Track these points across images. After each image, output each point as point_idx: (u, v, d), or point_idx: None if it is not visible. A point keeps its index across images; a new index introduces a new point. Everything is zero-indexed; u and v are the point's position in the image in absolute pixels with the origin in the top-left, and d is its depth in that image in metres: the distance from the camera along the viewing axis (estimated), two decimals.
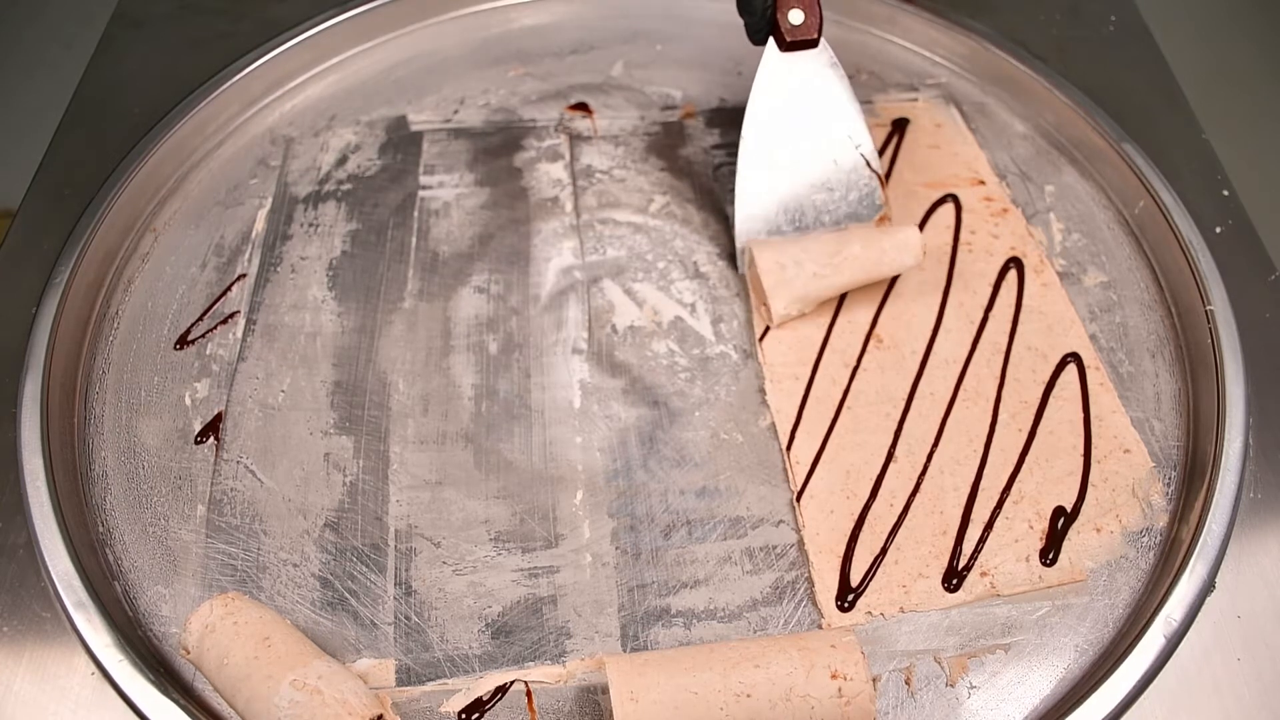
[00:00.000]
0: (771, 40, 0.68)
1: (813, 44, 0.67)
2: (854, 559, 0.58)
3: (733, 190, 0.76)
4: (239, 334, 0.68)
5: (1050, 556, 0.58)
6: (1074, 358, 0.66)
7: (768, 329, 0.68)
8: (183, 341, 0.68)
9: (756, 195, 0.69)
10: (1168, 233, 0.69)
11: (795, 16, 0.66)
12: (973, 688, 0.53)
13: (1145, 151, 0.73)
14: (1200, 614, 0.54)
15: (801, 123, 0.69)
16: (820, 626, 0.55)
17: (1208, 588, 0.55)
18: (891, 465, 0.61)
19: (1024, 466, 0.61)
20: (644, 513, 0.60)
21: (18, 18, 1.81)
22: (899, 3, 0.85)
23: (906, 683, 0.53)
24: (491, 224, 0.75)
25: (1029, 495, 0.60)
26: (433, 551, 0.58)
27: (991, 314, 0.68)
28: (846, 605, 0.56)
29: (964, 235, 0.73)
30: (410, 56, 0.87)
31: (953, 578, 0.57)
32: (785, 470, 0.61)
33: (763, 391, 0.65)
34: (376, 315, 0.69)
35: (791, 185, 0.70)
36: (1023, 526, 0.59)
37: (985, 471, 0.61)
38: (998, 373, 0.65)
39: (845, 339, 0.67)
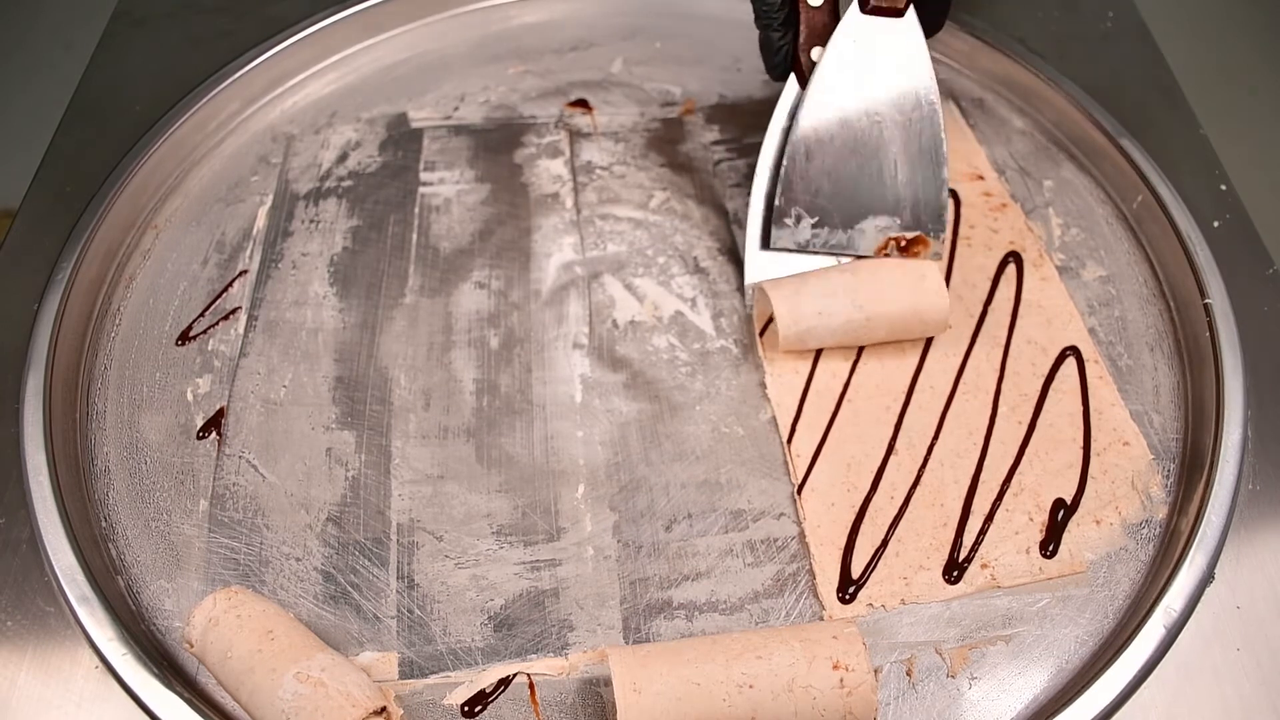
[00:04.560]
0: (792, 77, 0.66)
1: None
2: (855, 551, 0.58)
3: (732, 186, 0.77)
4: (240, 330, 0.68)
5: (1050, 548, 0.58)
6: (1073, 351, 0.66)
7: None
8: (184, 337, 0.68)
9: (770, 219, 0.67)
10: (1166, 227, 0.70)
11: (818, 55, 0.64)
12: (974, 679, 0.53)
13: (1143, 146, 0.74)
14: (1199, 605, 0.55)
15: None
16: (822, 618, 0.56)
17: (1207, 579, 0.55)
18: (892, 458, 0.62)
19: (1024, 459, 0.61)
20: (645, 506, 0.60)
21: (18, 18, 1.81)
22: None
23: (908, 674, 0.54)
24: (492, 220, 0.75)
25: (1029, 487, 0.60)
26: (435, 545, 0.59)
27: (991, 308, 0.69)
28: (848, 597, 0.56)
29: (963, 230, 0.73)
30: (410, 54, 0.87)
31: (953, 570, 0.57)
32: (786, 463, 0.62)
33: (763, 385, 0.65)
34: (378, 311, 0.69)
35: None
36: (1023, 519, 0.59)
37: (985, 464, 0.61)
38: (997, 366, 0.66)
39: None
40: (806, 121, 0.64)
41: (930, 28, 0.65)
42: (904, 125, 0.64)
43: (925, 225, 0.66)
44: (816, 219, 0.66)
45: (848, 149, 0.65)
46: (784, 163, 0.65)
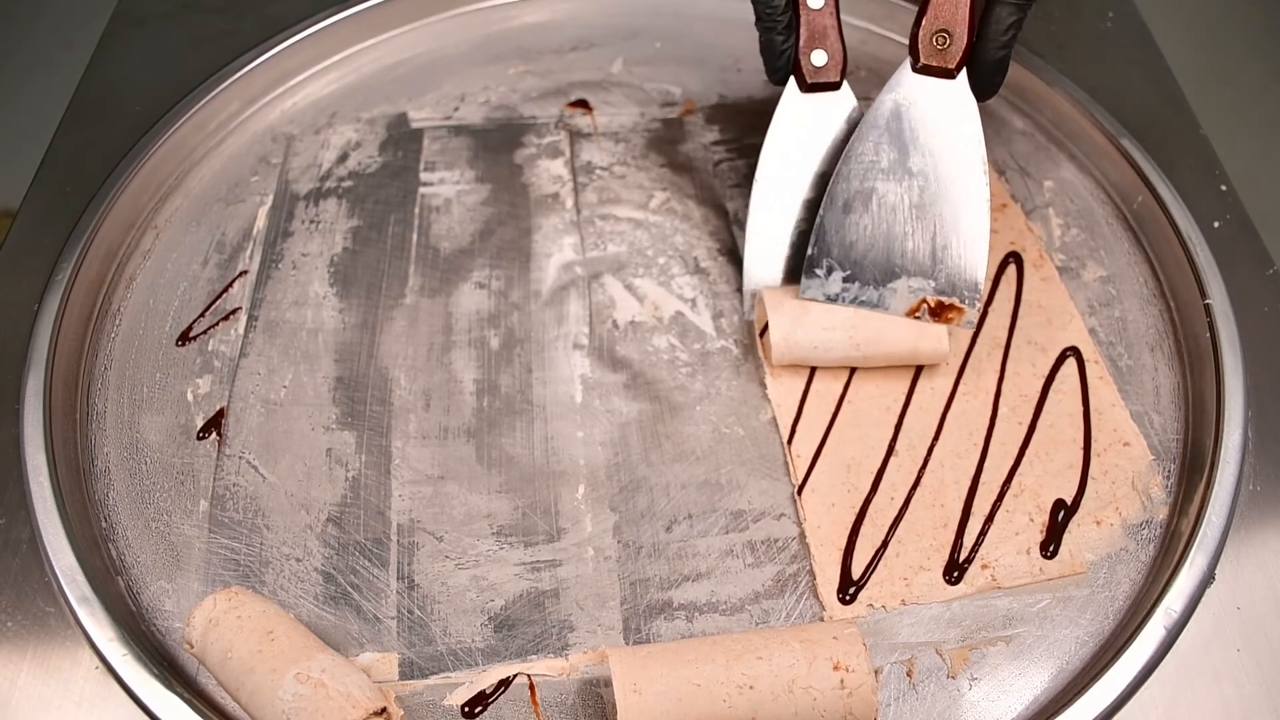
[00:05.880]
0: (791, 80, 0.65)
1: (835, 86, 0.65)
2: (855, 552, 0.58)
3: (732, 186, 0.77)
4: (241, 330, 0.68)
5: (1051, 549, 0.58)
6: (1073, 351, 0.66)
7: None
8: (185, 338, 0.68)
9: (769, 237, 0.67)
10: (1166, 227, 0.70)
11: (818, 58, 0.64)
12: (974, 679, 0.53)
13: (1143, 147, 0.73)
14: (1200, 606, 0.55)
15: (819, 166, 0.66)
16: (822, 619, 0.56)
17: (1207, 579, 0.55)
18: (892, 459, 0.62)
19: (1024, 460, 0.61)
20: (646, 507, 0.60)
21: (18, 18, 1.81)
22: None
23: (908, 675, 0.54)
24: (492, 220, 0.75)
25: (1029, 488, 0.60)
26: (435, 546, 0.59)
27: (991, 308, 0.69)
28: (848, 598, 0.56)
29: None
30: (410, 54, 0.87)
31: (954, 570, 0.57)
32: (786, 464, 0.62)
33: (763, 385, 0.65)
34: (378, 311, 0.69)
35: (805, 229, 0.67)
36: (1023, 519, 0.59)
37: (985, 465, 0.61)
38: (998, 366, 0.66)
39: None
40: (847, 173, 0.63)
41: (983, 93, 0.63)
42: (947, 187, 0.62)
43: (960, 292, 0.63)
44: (849, 273, 0.63)
45: (888, 205, 0.63)
46: (820, 212, 0.63)
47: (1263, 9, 1.82)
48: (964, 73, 0.61)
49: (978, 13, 0.61)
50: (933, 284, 0.63)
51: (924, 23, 0.61)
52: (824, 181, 0.66)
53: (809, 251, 0.64)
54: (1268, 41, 1.76)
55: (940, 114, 0.62)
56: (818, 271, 0.64)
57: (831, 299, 0.64)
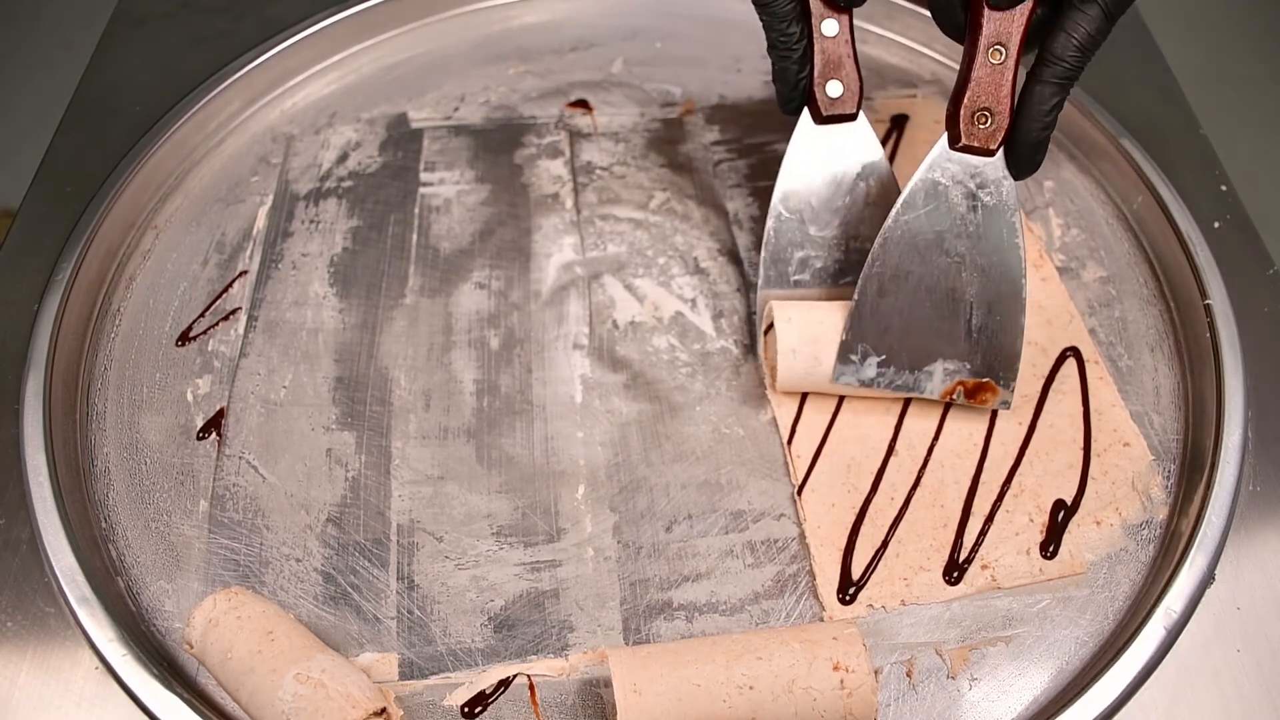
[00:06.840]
0: (806, 111, 0.64)
1: (850, 118, 0.64)
2: (855, 552, 0.58)
3: (732, 186, 0.77)
4: (240, 330, 0.68)
5: (1050, 549, 0.58)
6: (1073, 352, 0.66)
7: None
8: (184, 338, 0.68)
9: (782, 273, 0.66)
10: (1166, 228, 0.70)
11: (833, 89, 0.62)
12: (974, 680, 0.53)
13: (1143, 147, 0.74)
14: (1200, 606, 0.54)
15: (835, 199, 0.65)
16: (822, 619, 0.56)
17: (1207, 580, 0.55)
18: (892, 459, 0.62)
19: (1024, 460, 0.61)
20: (646, 507, 0.60)
21: (18, 18, 1.81)
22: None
23: (908, 675, 0.54)
24: (492, 220, 0.75)
25: (1029, 488, 0.60)
26: (435, 546, 0.59)
27: None
28: (848, 598, 0.56)
29: None
30: (410, 54, 0.87)
31: (953, 570, 0.57)
32: (786, 464, 0.62)
33: (764, 386, 0.65)
34: (378, 311, 0.69)
35: (820, 265, 0.66)
36: (1023, 519, 0.59)
37: (985, 465, 0.61)
38: None
39: None
40: (883, 256, 0.60)
41: (1022, 171, 0.60)
42: (985, 268, 0.60)
43: (996, 373, 0.61)
44: (884, 358, 0.61)
45: (923, 288, 0.61)
46: (855, 296, 0.61)
47: (1263, 9, 1.82)
48: (1001, 151, 0.59)
49: (1018, 90, 0.58)
50: (968, 366, 0.61)
51: (965, 101, 0.58)
52: (840, 214, 0.65)
53: (843, 337, 0.61)
54: (1268, 41, 1.76)
55: (977, 193, 0.60)
56: (852, 358, 0.61)
57: (866, 384, 0.62)
